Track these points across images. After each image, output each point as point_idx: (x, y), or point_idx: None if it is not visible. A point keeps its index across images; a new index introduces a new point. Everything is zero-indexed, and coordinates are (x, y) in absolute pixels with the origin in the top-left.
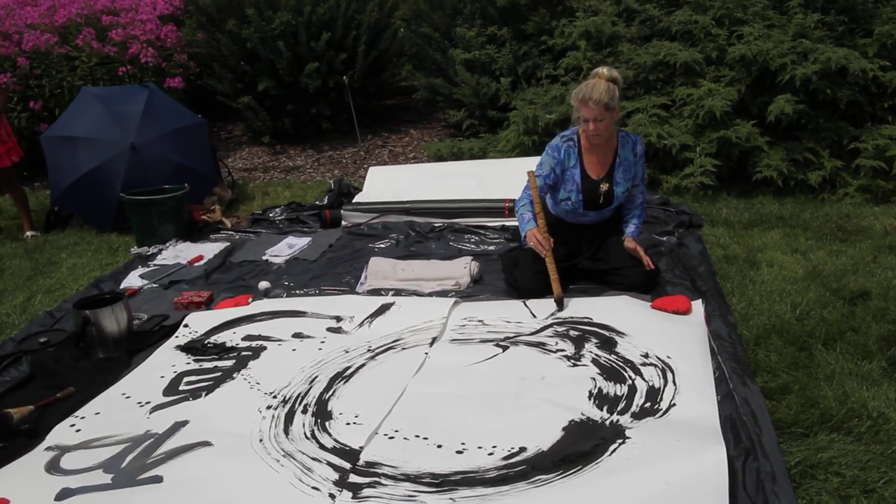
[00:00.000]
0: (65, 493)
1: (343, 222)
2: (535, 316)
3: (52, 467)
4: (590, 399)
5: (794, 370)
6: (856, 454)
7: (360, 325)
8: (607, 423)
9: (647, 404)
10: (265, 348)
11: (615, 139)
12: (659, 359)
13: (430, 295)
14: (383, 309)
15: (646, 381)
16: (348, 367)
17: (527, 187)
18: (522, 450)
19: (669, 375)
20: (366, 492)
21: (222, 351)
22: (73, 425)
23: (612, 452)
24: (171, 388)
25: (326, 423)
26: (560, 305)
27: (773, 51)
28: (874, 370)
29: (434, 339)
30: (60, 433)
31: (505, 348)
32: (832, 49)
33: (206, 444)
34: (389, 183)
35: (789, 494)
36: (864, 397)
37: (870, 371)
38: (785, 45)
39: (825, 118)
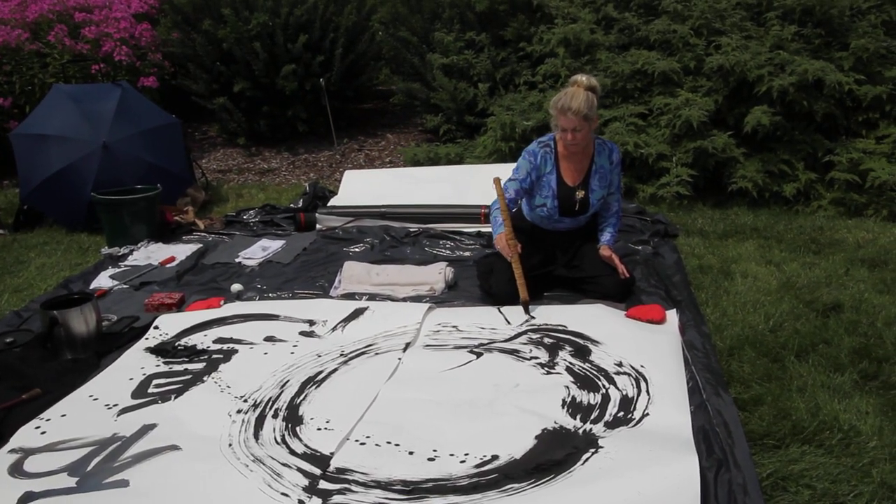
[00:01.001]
0: (28, 497)
1: (318, 226)
2: (509, 322)
3: (16, 470)
4: (563, 407)
5: (766, 381)
6: (827, 467)
7: (333, 329)
8: (580, 431)
9: (621, 413)
10: (236, 351)
11: (592, 146)
12: (633, 368)
13: (404, 300)
14: (357, 313)
15: (619, 390)
16: (320, 372)
17: (503, 190)
18: (495, 458)
19: (643, 385)
20: (336, 498)
21: (193, 353)
22: (37, 427)
23: (584, 462)
24: (140, 391)
25: (297, 429)
26: (526, 309)
27: (750, 62)
28: (846, 383)
29: (408, 345)
30: (25, 435)
31: (479, 355)
32: (809, 61)
33: (175, 447)
34: (365, 187)
35: None
36: (836, 410)
37: (841, 384)
38: (762, 56)
39: (800, 130)
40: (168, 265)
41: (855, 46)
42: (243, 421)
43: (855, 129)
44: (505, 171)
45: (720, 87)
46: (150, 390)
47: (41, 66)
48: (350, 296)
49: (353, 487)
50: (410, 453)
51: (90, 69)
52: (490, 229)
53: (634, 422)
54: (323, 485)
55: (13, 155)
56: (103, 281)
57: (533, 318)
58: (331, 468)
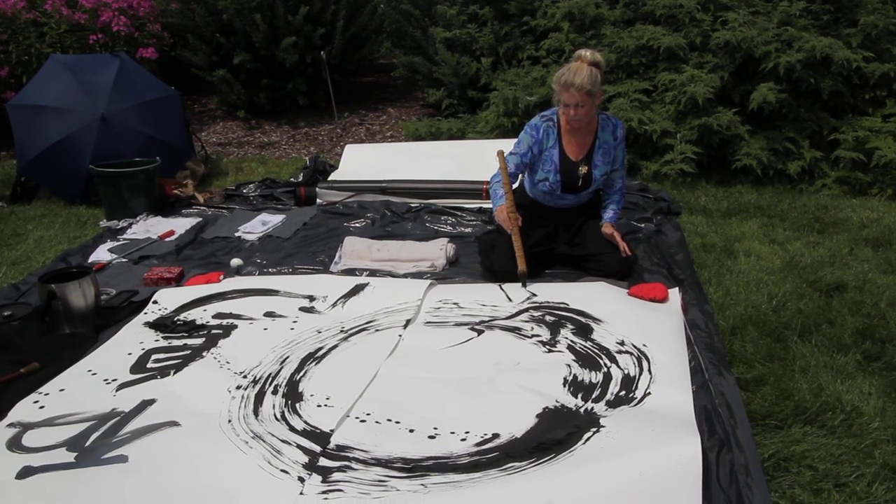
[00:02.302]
0: (26, 472)
1: (318, 200)
2: (510, 300)
3: (14, 444)
4: (564, 386)
5: (769, 361)
6: (829, 448)
7: (334, 305)
8: (582, 410)
9: (622, 393)
10: (236, 327)
11: (595, 122)
12: (635, 347)
13: (405, 276)
14: (357, 289)
15: (621, 368)
16: (320, 348)
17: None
18: (495, 436)
19: (645, 364)
20: (336, 476)
21: (192, 328)
22: (36, 402)
23: (585, 441)
24: (139, 366)
25: (297, 405)
26: (523, 281)
27: (757, 38)
28: (849, 363)
29: (408, 322)
30: (23, 409)
31: (480, 332)
32: (816, 38)
33: (174, 423)
34: (366, 161)
35: (762, 487)
36: (839, 390)
37: (844, 364)
38: (769, 32)
39: (806, 108)
40: (167, 239)
41: (864, 23)
42: (243, 397)
43: (861, 107)
44: (507, 146)
45: (726, 64)
46: (149, 365)
47: (38, 35)
48: (350, 271)
49: (353, 465)
50: (411, 431)
51: (88, 39)
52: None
53: (636, 401)
54: (323, 462)
55: (10, 125)
56: (102, 254)
57: (534, 294)
58: (331, 445)
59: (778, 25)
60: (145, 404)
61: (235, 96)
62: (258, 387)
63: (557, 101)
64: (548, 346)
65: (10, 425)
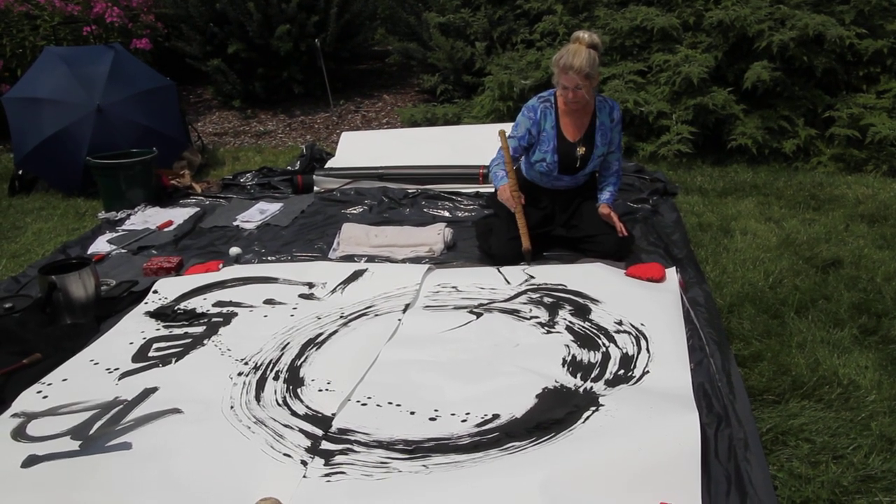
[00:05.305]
0: (32, 461)
1: (315, 188)
2: (508, 282)
3: (19, 434)
4: (563, 366)
5: (766, 338)
6: (826, 421)
7: (333, 291)
8: (581, 390)
9: (621, 371)
10: (236, 314)
11: (592, 103)
12: (633, 326)
13: (403, 261)
14: (356, 275)
15: (619, 348)
16: (321, 334)
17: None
18: (496, 417)
19: (643, 343)
20: (338, 458)
21: (192, 317)
22: (39, 392)
23: (585, 419)
24: (141, 355)
25: (298, 390)
26: (528, 259)
27: (750, 17)
28: (845, 338)
29: (407, 306)
30: (27, 400)
31: (479, 315)
32: (809, 15)
33: (176, 411)
34: (362, 148)
35: (761, 461)
36: (835, 365)
37: (841, 339)
38: (762, 11)
39: (800, 86)
40: (166, 229)
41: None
42: (244, 383)
43: (855, 83)
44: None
45: (720, 43)
46: (151, 354)
47: (31, 28)
48: (349, 258)
49: (356, 447)
50: (412, 413)
51: (81, 31)
52: (489, 189)
53: (635, 380)
54: (325, 445)
55: (6, 118)
56: (101, 245)
57: (532, 276)
58: (333, 429)
59: (771, 3)
60: (148, 392)
61: (230, 86)
62: (259, 373)
63: (556, 83)
64: (546, 327)
65: (15, 415)
